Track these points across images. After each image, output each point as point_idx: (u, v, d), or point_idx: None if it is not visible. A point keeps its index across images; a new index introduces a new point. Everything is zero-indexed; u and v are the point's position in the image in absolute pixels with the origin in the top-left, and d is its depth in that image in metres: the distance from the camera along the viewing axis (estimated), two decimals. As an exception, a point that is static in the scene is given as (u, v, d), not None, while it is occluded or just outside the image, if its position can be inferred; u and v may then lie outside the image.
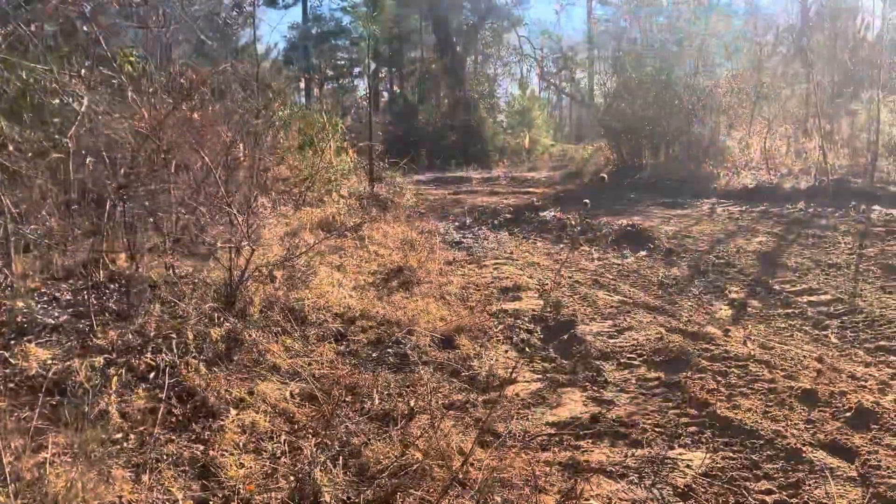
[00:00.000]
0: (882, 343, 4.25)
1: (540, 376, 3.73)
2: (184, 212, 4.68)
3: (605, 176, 11.03)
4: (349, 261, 5.64)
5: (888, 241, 6.66)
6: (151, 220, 4.44)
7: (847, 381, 3.59)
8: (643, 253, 6.84)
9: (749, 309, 5.10)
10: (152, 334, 3.59)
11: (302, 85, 27.64)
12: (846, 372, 3.72)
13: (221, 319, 3.81)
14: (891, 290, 5.33)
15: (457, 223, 8.87)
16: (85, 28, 4.62)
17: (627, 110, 13.58)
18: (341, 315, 4.37)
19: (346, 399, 3.26)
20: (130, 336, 3.55)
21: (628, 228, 7.71)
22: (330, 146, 8.25)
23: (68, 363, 3.13)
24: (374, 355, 3.88)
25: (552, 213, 9.22)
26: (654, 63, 13.22)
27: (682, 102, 12.86)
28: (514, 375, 3.61)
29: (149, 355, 3.38)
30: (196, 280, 4.36)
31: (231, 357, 3.55)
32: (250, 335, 3.71)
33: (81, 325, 3.62)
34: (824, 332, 4.53)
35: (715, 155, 12.65)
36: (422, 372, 3.61)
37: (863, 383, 3.56)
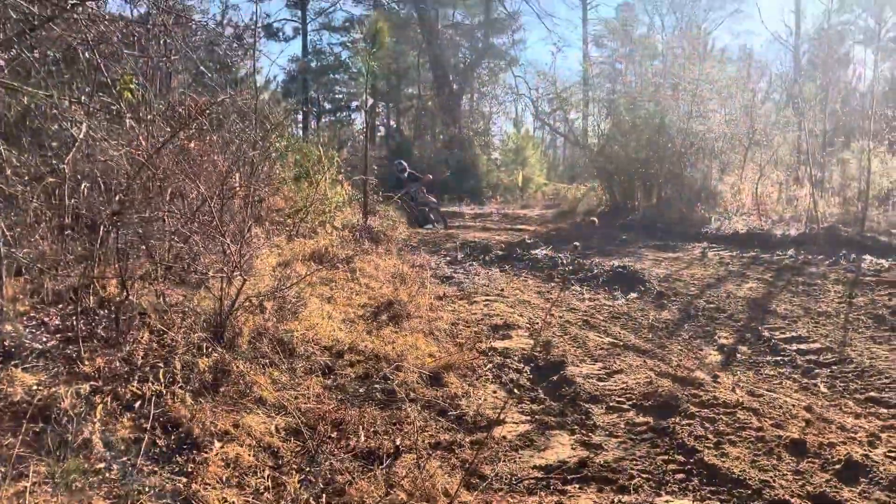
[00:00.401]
0: (872, 394, 4.26)
1: (528, 418, 3.71)
2: (177, 240, 4.67)
3: (595, 220, 11.17)
4: (340, 293, 5.63)
5: (878, 291, 6.70)
6: (144, 247, 4.43)
7: (836, 431, 3.58)
8: (634, 295, 6.86)
9: (738, 355, 5.11)
10: (140, 362, 3.56)
11: (300, 117, 27.84)
12: (836, 422, 3.72)
13: (210, 349, 3.78)
14: (881, 340, 5.35)
15: (448, 258, 8.88)
16: (87, 54, 4.65)
17: (621, 152, 13.71)
18: (330, 348, 4.35)
19: (332, 435, 3.23)
20: (118, 363, 3.52)
21: (619, 270, 7.73)
22: (325, 178, 8.27)
23: (54, 389, 3.10)
24: (361, 390, 3.86)
25: (544, 252, 9.25)
26: (648, 106, 13.38)
27: (675, 146, 13.00)
28: (502, 416, 3.59)
29: (135, 384, 3.35)
30: (186, 309, 4.34)
31: (218, 388, 3.52)
32: (238, 366, 3.69)
33: (69, 351, 3.59)
34: (813, 381, 4.54)
35: (707, 199, 12.76)
36: (409, 409, 3.59)
37: (852, 435, 3.56)
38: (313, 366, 4.05)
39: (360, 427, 3.30)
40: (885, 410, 4.01)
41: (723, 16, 43.27)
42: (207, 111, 5.72)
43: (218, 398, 3.43)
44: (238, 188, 5.01)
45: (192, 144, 5.13)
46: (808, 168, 11.55)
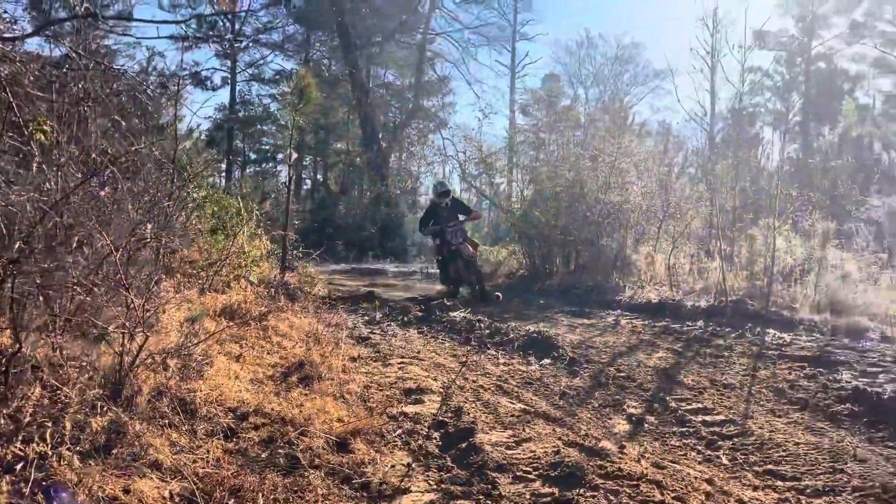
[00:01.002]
0: (770, 467, 4.37)
1: (434, 486, 3.66)
2: (79, 291, 4.49)
3: (499, 295, 11.36)
4: (250, 352, 5.49)
5: (780, 365, 6.95)
6: (42, 297, 4.23)
7: (734, 504, 3.65)
8: (548, 361, 6.92)
9: (646, 425, 5.18)
10: (27, 420, 3.36)
11: (224, 167, 27.56)
12: (735, 495, 3.79)
13: (105, 408, 3.61)
14: (780, 413, 5.52)
15: (367, 317, 8.81)
16: (-2, 94, 4.50)
17: (542, 218, 14.03)
18: (234, 410, 4.21)
19: (229, 502, 3.10)
20: (2, 421, 3.31)
21: (535, 335, 7.82)
22: (243, 231, 8.14)
23: (-75, 450, 2.89)
24: (263, 455, 3.73)
25: (462, 314, 9.28)
26: (569, 175, 13.80)
27: (593, 215, 13.40)
28: (407, 485, 3.53)
29: (18, 444, 3.15)
30: (84, 364, 4.14)
31: (110, 450, 3.35)
32: (134, 427, 3.52)
33: (-52, 407, 3.37)
34: (716, 453, 4.63)
35: (622, 268, 13.13)
36: (312, 477, 3.49)
37: (750, 508, 3.64)
38: (215, 428, 3.91)
39: (260, 494, 3.18)
40: (782, 483, 4.11)
41: (644, 91, 45.44)
42: (123, 158, 5.59)
43: (109, 461, 3.25)
44: (149, 239, 4.88)
45: (103, 192, 4.99)
46: (719, 242, 12.05)
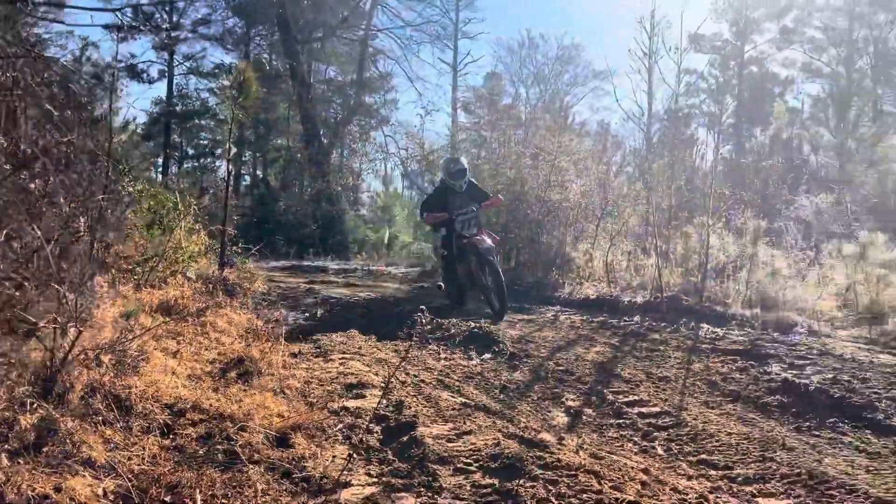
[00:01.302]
0: (703, 456, 4.51)
1: (375, 479, 3.66)
2: (8, 286, 4.34)
3: (441, 284, 10.88)
4: (187, 348, 5.40)
5: (713, 358, 7.15)
6: (-32, 292, 4.09)
7: (669, 493, 3.75)
8: (489, 356, 6.99)
9: (584, 417, 5.29)
10: (-49, 419, 3.25)
11: (161, 161, 26.97)
12: (669, 485, 3.89)
13: (35, 405, 3.51)
14: (713, 405, 5.69)
15: (307, 314, 8.74)
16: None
17: (484, 216, 14.12)
18: (171, 406, 4.14)
19: (165, 499, 3.06)
20: (-76, 420, 3.20)
21: (476, 330, 7.88)
22: (181, 226, 7.99)
23: None
24: (201, 451, 3.68)
25: (404, 310, 9.29)
26: (510, 174, 13.93)
27: (534, 213, 13.55)
28: (348, 478, 3.53)
29: (-57, 443, 3.05)
30: (13, 360, 4.02)
31: (40, 448, 3.26)
32: (66, 424, 3.43)
33: None
34: (652, 444, 4.76)
35: (561, 265, 13.31)
36: (251, 472, 3.46)
37: (684, 496, 3.73)
38: (151, 424, 3.84)
39: (197, 490, 3.14)
40: (715, 472, 4.25)
41: (584, 91, 46.16)
42: (55, 150, 5.43)
43: (40, 459, 3.17)
44: (82, 233, 4.75)
45: (33, 185, 4.83)
46: (655, 240, 12.31)
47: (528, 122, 18.41)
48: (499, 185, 14.07)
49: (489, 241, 9.08)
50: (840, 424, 5.17)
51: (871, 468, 4.35)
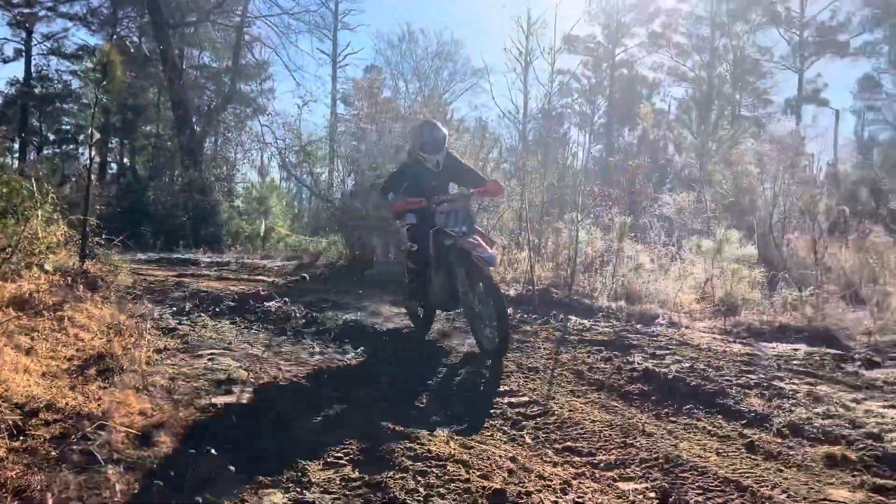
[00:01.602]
0: (568, 444, 4.67)
1: (242, 476, 3.59)
2: None
3: (306, 275, 10.17)
4: (42, 344, 5.09)
5: (580, 349, 7.41)
6: None
7: (535, 480, 3.87)
8: (363, 349, 6.97)
9: (455, 409, 5.36)
10: None
11: (17, 146, 25.20)
12: (535, 472, 4.02)
13: None
14: (579, 394, 5.90)
15: (174, 308, 8.43)
16: None
17: (362, 209, 14.07)
18: (22, 406, 3.90)
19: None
20: None
21: (351, 324, 7.85)
22: (38, 216, 7.50)
23: None
24: (54, 453, 3.49)
25: (278, 303, 9.12)
26: (388, 167, 13.91)
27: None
28: (214, 476, 3.44)
29: None
30: None
31: None
32: None
33: None
34: (520, 433, 4.88)
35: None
36: (110, 472, 3.31)
37: (548, 483, 3.86)
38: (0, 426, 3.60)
39: (49, 493, 2.98)
40: (579, 459, 4.42)
41: (463, 87, 46.77)
42: None
43: None
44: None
45: None
46: (528, 235, 12.67)
47: (408, 115, 18.44)
48: (378, 179, 14.05)
49: (489, 249, 6.37)
50: (695, 410, 5.48)
51: (720, 451, 4.64)
